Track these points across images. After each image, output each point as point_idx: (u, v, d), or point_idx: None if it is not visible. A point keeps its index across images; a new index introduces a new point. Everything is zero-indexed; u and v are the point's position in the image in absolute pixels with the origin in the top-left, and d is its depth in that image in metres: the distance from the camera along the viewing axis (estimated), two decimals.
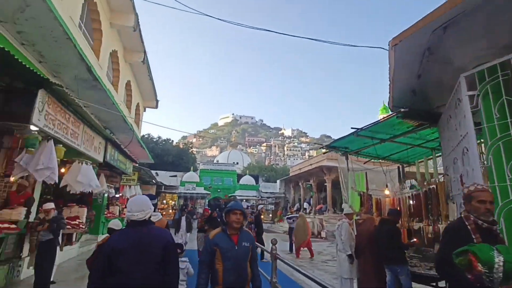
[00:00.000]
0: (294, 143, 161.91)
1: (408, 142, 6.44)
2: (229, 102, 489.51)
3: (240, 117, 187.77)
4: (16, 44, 5.05)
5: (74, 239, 9.05)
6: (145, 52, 15.02)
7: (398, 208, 6.17)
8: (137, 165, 14.44)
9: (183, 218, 10.30)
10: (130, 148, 16.21)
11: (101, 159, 8.27)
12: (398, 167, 7.70)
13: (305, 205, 23.67)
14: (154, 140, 32.26)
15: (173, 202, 26.81)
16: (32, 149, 5.08)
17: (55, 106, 5.45)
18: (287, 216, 14.46)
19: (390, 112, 5.59)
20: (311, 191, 24.15)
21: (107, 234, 3.63)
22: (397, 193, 6.71)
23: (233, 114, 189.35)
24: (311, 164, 24.04)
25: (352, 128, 5.84)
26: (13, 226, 5.38)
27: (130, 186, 13.96)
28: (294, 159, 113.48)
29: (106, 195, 10.91)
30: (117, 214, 14.07)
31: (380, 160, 7.09)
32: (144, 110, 23.28)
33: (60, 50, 5.58)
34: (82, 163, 6.83)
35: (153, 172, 22.30)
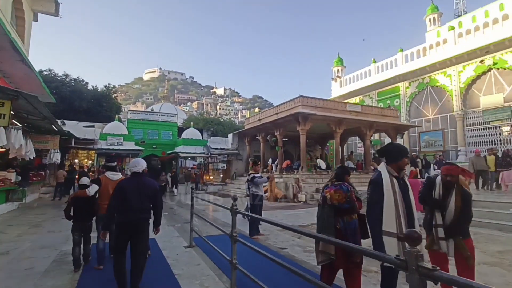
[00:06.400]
0: (226, 102, 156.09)
1: None
2: (156, 55, 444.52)
3: (169, 73, 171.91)
4: None
5: None
6: None
7: None
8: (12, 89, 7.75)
9: None
10: (3, 67, 9.37)
11: None
12: None
13: (270, 161, 19.37)
14: (59, 78, 23.01)
15: (90, 162, 19.53)
16: None
17: None
18: (250, 175, 7.67)
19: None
20: (276, 145, 19.82)
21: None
22: None
23: (160, 68, 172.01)
24: (277, 113, 19.54)
25: None
26: None
27: None
28: (227, 118, 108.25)
29: None
30: None
31: None
32: (36, 20, 14.84)
33: None
34: None
35: (58, 121, 14.93)
